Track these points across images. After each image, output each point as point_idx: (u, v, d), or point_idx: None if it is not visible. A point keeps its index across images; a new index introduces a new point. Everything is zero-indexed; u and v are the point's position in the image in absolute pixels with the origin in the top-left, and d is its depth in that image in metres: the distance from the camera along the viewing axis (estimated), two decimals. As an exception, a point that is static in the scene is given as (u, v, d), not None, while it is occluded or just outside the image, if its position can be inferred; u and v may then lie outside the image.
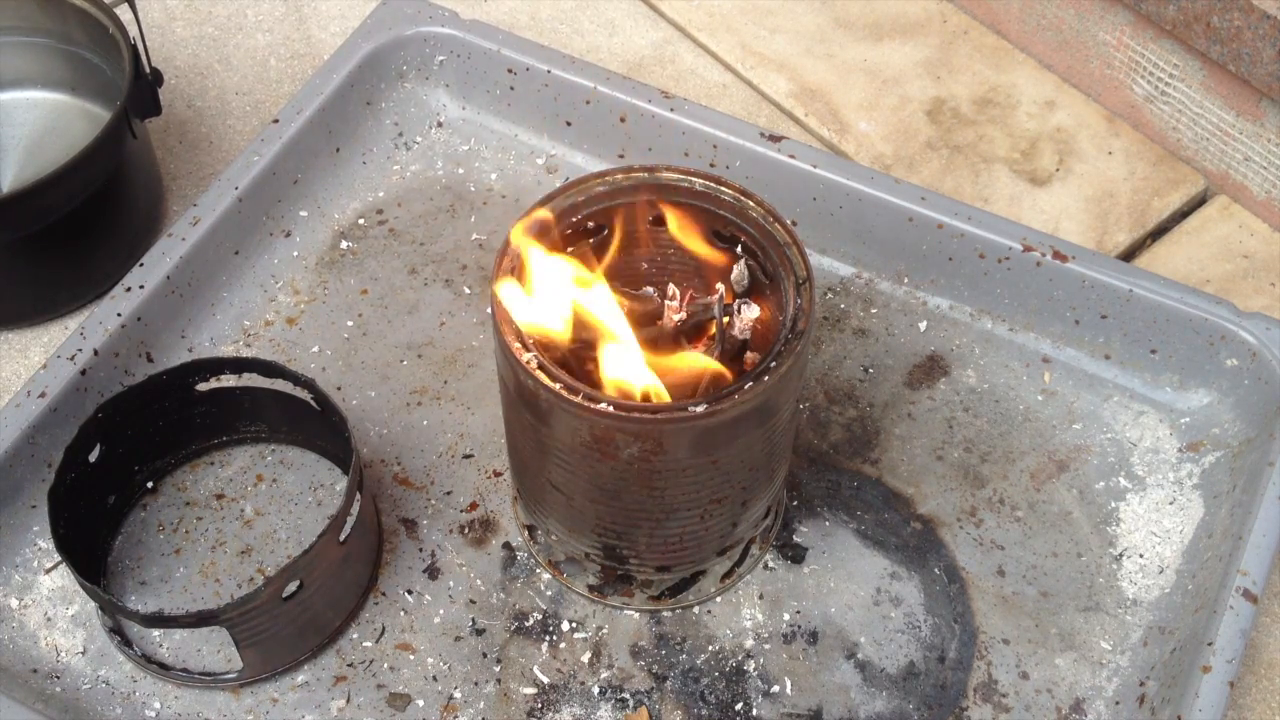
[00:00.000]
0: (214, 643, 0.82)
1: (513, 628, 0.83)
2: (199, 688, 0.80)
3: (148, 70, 0.96)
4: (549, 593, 0.84)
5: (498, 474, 0.88)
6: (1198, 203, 1.06)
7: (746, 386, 0.70)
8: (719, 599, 0.84)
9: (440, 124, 1.05)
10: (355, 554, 0.81)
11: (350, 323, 0.95)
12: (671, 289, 0.77)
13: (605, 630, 0.83)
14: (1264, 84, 0.97)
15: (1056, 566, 0.85)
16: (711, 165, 0.97)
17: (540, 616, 0.83)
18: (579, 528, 0.79)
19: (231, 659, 0.80)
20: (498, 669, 0.81)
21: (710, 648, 0.82)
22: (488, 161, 1.04)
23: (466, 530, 0.86)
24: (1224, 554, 0.81)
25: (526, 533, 0.85)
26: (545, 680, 0.81)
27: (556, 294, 0.73)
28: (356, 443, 0.80)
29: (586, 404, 0.69)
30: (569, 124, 1.02)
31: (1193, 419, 0.90)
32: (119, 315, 0.88)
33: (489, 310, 0.92)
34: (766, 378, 0.70)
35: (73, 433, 0.80)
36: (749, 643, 0.82)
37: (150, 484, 0.87)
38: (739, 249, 0.78)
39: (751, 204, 0.77)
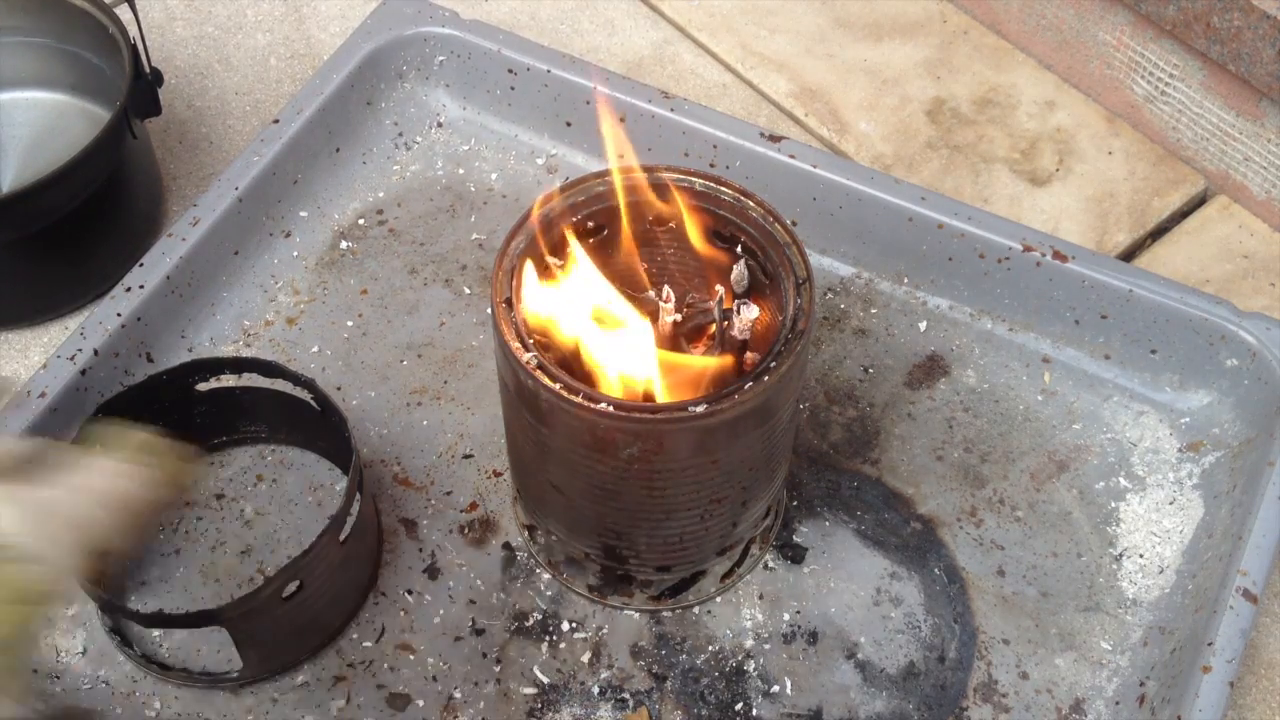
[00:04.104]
0: (214, 643, 0.82)
1: (513, 628, 0.83)
2: (199, 688, 0.80)
3: (148, 70, 0.96)
4: (549, 593, 0.84)
5: (498, 474, 0.89)
6: (1198, 203, 1.06)
7: (746, 386, 0.70)
8: (719, 599, 0.84)
9: (440, 124, 1.05)
10: (355, 554, 0.81)
11: (350, 323, 0.95)
12: (666, 291, 0.77)
13: (605, 630, 0.83)
14: (1264, 84, 0.97)
15: (1056, 566, 0.85)
16: (711, 165, 0.97)
17: (540, 616, 0.83)
18: (579, 528, 0.79)
19: (231, 659, 0.80)
20: (498, 669, 0.81)
21: (710, 648, 0.82)
22: (488, 161, 1.04)
23: (466, 530, 0.86)
24: (1224, 554, 0.81)
25: (526, 533, 0.85)
26: (545, 680, 0.81)
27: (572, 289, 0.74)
28: (356, 443, 0.80)
29: (586, 404, 0.69)
30: (569, 124, 1.02)
31: (1193, 419, 0.90)
32: (119, 315, 0.88)
33: (489, 310, 0.92)
34: (766, 378, 0.70)
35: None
36: (749, 643, 0.82)
37: (150, 484, 0.87)
38: (739, 249, 0.78)
39: (751, 204, 0.77)
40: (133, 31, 0.95)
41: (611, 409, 0.69)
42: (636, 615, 0.83)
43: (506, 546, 0.86)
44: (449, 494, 0.88)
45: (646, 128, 0.99)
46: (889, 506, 0.87)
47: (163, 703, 0.80)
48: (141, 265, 0.90)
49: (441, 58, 1.03)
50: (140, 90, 0.95)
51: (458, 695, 0.80)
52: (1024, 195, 1.05)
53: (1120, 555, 0.86)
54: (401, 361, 0.94)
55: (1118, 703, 0.80)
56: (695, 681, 0.81)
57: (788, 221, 0.76)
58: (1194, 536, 0.85)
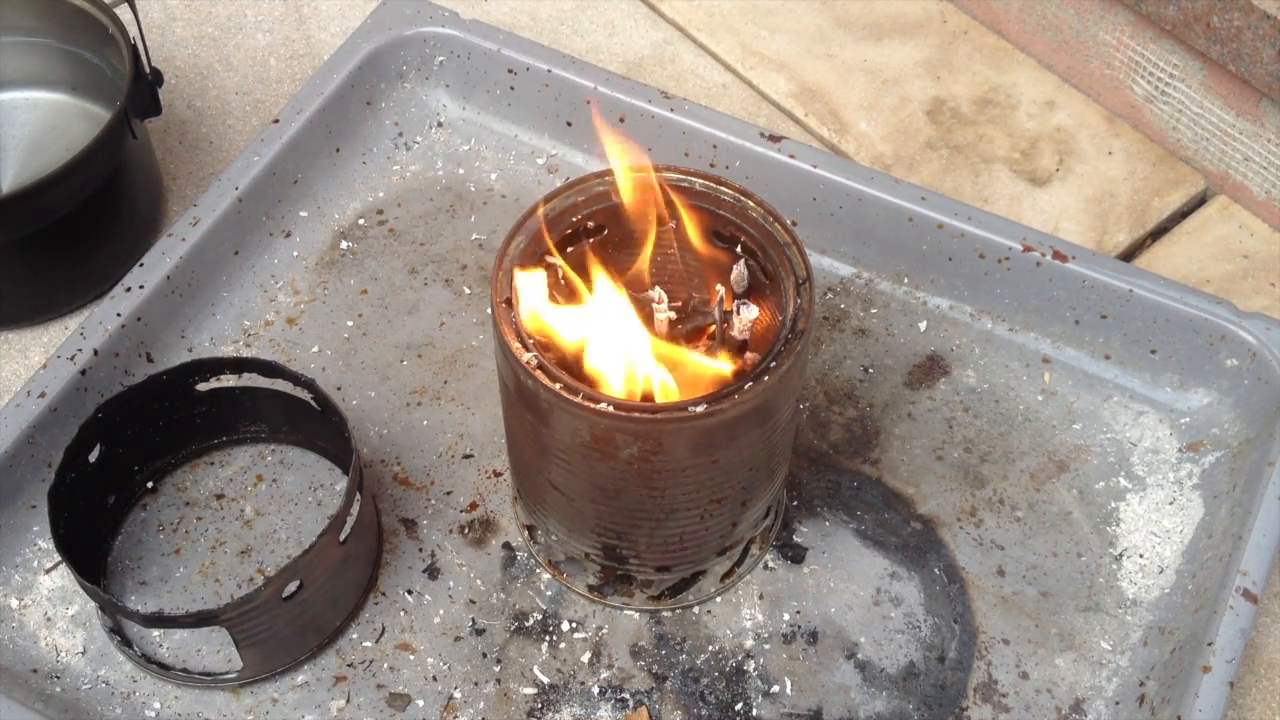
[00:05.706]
0: (214, 643, 0.82)
1: (513, 628, 0.83)
2: (199, 688, 0.80)
3: (148, 70, 0.96)
4: (549, 593, 0.84)
5: (498, 474, 0.89)
6: (1198, 203, 1.06)
7: (746, 386, 0.70)
8: (719, 599, 0.84)
9: (440, 124, 1.05)
10: (355, 554, 0.81)
11: (350, 323, 0.95)
12: (659, 292, 0.77)
13: (605, 630, 0.83)
14: (1264, 84, 0.97)
15: (1056, 566, 0.85)
16: (711, 165, 0.97)
17: (540, 616, 0.83)
18: (579, 528, 0.79)
19: (231, 659, 0.80)
20: (498, 669, 0.81)
21: (710, 648, 0.82)
22: (488, 161, 1.04)
23: (466, 530, 0.86)
24: (1224, 554, 0.81)
25: (526, 533, 0.85)
26: (545, 680, 0.81)
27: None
28: (356, 443, 0.80)
29: (586, 404, 0.69)
30: (569, 124, 1.02)
31: (1193, 419, 0.90)
32: (119, 315, 0.88)
33: (489, 310, 0.92)
34: (766, 378, 0.70)
35: (73, 433, 0.80)
36: (749, 643, 0.82)
37: (150, 484, 0.87)
38: (739, 249, 0.78)
39: (751, 204, 0.77)
40: (133, 31, 0.95)
41: (611, 409, 0.69)
42: (636, 615, 0.83)
43: (506, 546, 0.86)
44: (449, 494, 0.88)
45: (646, 128, 0.99)
46: (889, 506, 0.87)
47: (163, 703, 0.80)
48: (141, 265, 0.90)
49: (441, 58, 1.03)
50: (140, 90, 0.95)
51: (458, 695, 0.80)
52: (1024, 195, 1.05)
53: (1120, 555, 0.86)
54: (401, 361, 0.94)
55: (1118, 703, 0.80)
56: (695, 681, 0.81)
57: (788, 221, 0.76)
58: (1194, 536, 0.85)
